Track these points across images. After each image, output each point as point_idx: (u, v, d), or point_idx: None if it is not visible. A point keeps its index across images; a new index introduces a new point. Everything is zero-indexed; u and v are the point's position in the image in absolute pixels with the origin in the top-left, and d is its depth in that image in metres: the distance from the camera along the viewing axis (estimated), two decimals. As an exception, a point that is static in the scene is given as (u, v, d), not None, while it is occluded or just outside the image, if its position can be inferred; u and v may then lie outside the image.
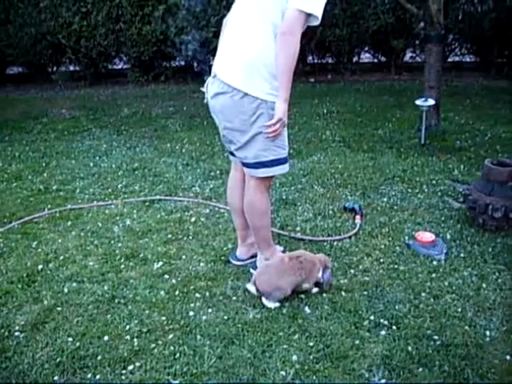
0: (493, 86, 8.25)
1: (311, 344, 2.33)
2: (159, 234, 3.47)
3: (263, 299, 2.62)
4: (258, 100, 2.47)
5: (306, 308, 2.59)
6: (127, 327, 2.49)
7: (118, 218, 3.75)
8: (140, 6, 8.65)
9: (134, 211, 3.85)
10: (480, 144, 5.24)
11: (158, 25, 8.58)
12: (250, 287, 2.66)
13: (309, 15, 2.38)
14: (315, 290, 2.72)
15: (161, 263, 3.08)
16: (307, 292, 2.70)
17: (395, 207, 3.79)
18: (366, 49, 9.98)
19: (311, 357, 2.26)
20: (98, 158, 5.18)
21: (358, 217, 3.57)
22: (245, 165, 2.69)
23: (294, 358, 2.25)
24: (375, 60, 10.21)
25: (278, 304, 2.61)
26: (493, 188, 3.30)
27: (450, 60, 9.76)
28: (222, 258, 3.12)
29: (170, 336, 2.42)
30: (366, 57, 10.39)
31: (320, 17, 2.40)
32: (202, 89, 2.87)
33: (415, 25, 8.83)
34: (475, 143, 5.28)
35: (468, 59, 10.04)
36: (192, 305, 2.65)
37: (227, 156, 3.02)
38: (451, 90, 7.67)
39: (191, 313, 2.58)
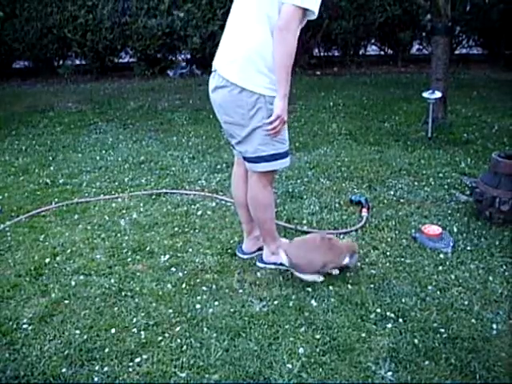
0: (500, 79, 8.19)
1: (318, 337, 2.34)
2: (166, 227, 3.48)
3: (295, 273, 2.73)
4: (255, 94, 2.45)
5: (313, 301, 2.59)
6: (134, 320, 2.50)
7: (124, 211, 3.76)
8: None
9: (141, 204, 3.86)
10: (487, 137, 5.21)
11: (164, 18, 8.56)
12: (282, 255, 2.71)
13: (305, 10, 2.34)
14: (336, 271, 2.80)
15: (167, 256, 3.09)
16: (329, 274, 2.79)
17: (402, 200, 3.78)
18: (373, 41, 9.93)
19: (318, 349, 2.26)
20: (104, 151, 5.19)
21: (364, 210, 3.56)
22: (245, 159, 2.69)
23: (301, 350, 2.26)
24: (382, 52, 10.15)
25: (310, 277, 2.72)
26: (500, 181, 3.28)
27: (457, 52, 9.68)
28: (229, 251, 3.12)
29: (177, 329, 2.43)
30: (372, 49, 10.33)
31: (316, 11, 2.36)
32: None
33: (422, 17, 8.78)
34: (482, 136, 5.25)
35: (475, 51, 9.97)
36: (199, 298, 2.66)
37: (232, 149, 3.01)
38: (458, 83, 7.62)
39: (198, 305, 2.59)
